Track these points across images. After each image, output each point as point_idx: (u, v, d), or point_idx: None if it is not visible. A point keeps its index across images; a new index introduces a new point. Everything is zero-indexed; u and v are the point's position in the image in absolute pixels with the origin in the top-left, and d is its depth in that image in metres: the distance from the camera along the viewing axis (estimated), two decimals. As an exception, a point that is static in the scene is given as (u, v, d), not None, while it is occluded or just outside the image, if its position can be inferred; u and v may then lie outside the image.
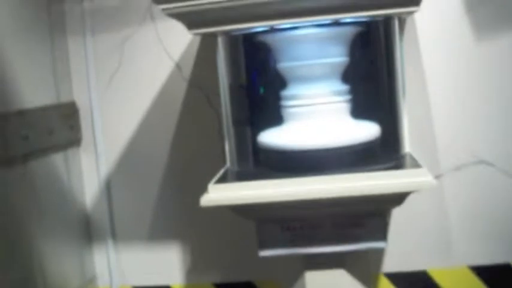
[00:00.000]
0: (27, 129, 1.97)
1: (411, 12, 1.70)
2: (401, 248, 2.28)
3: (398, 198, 1.67)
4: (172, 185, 2.36)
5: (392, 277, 2.32)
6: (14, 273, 1.86)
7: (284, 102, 1.83)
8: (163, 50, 2.31)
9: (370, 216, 1.72)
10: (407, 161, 1.74)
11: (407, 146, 1.83)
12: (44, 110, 2.11)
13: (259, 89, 1.98)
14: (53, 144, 2.17)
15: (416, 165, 1.66)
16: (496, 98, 2.18)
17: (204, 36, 2.13)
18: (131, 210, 2.42)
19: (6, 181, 1.87)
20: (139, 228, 2.42)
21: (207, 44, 2.21)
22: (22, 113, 1.97)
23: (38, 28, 2.17)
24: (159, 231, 2.41)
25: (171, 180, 2.37)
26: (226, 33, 1.80)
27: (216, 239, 2.37)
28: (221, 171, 1.83)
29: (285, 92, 1.84)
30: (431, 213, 2.26)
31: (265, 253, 1.77)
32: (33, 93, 2.08)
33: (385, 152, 1.81)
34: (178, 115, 2.33)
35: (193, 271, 2.41)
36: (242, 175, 1.78)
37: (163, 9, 1.59)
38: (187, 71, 2.31)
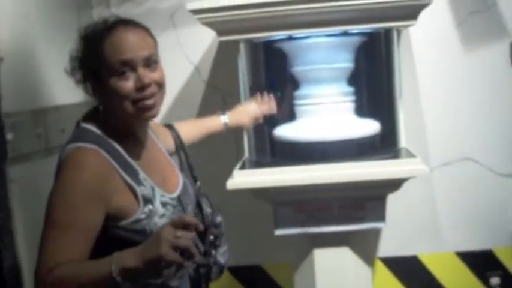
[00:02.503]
0: (64, 123, 2.19)
1: (409, 25, 1.97)
2: (394, 235, 2.49)
3: (395, 184, 1.92)
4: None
5: (386, 261, 2.55)
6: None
7: (297, 101, 2.09)
8: (183, 54, 2.51)
9: (371, 200, 1.97)
10: (404, 153, 1.99)
11: (403, 141, 2.07)
12: (77, 105, 2.33)
13: (275, 89, 2.21)
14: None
15: (411, 155, 1.91)
16: (481, 103, 2.42)
17: (223, 43, 2.35)
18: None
19: (46, 170, 2.08)
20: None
21: (224, 50, 2.42)
22: (58, 108, 2.18)
23: (69, 31, 2.39)
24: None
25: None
26: (248, 41, 2.05)
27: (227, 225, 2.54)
28: (241, 161, 2.06)
29: (298, 92, 2.09)
30: (422, 204, 2.50)
31: (280, 232, 2.01)
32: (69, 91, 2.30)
33: (384, 146, 2.06)
34: (196, 115, 2.48)
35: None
36: (261, 163, 2.02)
37: (199, 19, 1.83)
38: (206, 73, 2.52)
